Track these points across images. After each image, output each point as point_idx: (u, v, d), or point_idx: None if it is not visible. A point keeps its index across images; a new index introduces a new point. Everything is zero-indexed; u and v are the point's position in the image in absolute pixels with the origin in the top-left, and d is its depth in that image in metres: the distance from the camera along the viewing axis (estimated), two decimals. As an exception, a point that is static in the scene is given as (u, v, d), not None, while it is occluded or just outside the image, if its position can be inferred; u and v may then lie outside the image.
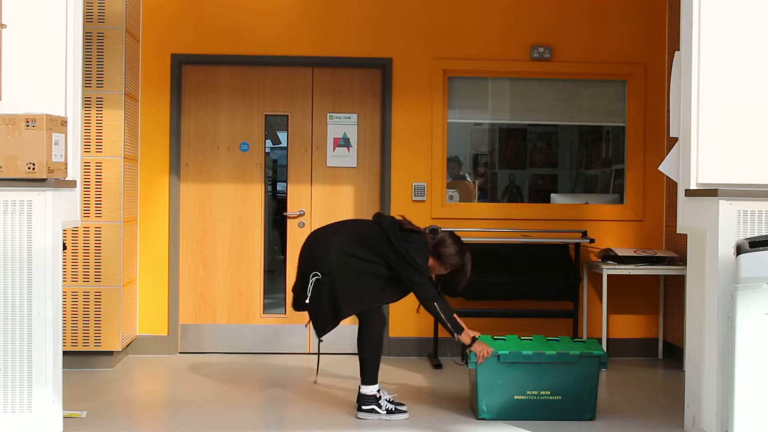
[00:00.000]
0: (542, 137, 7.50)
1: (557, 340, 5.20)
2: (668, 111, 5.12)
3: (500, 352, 4.83)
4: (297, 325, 6.79)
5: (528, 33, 6.85)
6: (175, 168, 6.72)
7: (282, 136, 6.98)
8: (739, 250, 4.01)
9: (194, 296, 6.80)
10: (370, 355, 4.90)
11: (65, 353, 4.64)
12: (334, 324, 4.93)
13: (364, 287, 4.89)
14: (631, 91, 6.96)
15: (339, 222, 5.27)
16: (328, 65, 6.85)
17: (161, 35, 6.68)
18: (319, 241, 5.01)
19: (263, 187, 6.86)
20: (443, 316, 4.90)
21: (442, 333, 6.59)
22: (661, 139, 6.82)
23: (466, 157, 7.41)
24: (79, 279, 6.09)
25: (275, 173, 7.08)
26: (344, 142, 6.86)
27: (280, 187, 7.04)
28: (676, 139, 4.75)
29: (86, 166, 6.07)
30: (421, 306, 4.95)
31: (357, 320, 4.98)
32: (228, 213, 6.83)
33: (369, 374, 4.89)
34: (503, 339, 5.17)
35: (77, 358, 6.02)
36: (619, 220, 6.91)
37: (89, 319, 6.08)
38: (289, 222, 6.87)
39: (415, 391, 5.59)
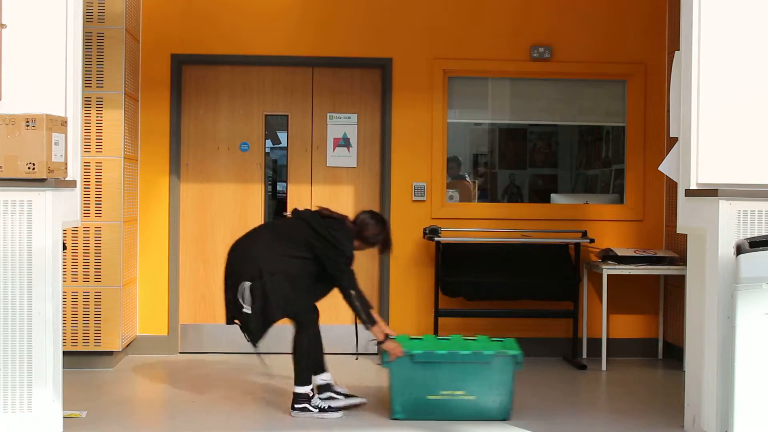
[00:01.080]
0: (542, 137, 7.50)
1: (474, 340, 5.20)
2: (668, 111, 5.12)
3: (414, 352, 4.81)
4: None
5: (528, 33, 6.85)
6: (175, 168, 6.72)
7: (282, 136, 6.98)
8: (739, 250, 4.02)
9: (194, 296, 6.80)
10: (303, 357, 4.94)
11: (65, 353, 4.64)
12: (265, 330, 4.93)
13: (293, 289, 4.89)
14: (631, 91, 6.96)
15: (257, 227, 5.25)
16: (328, 65, 6.85)
17: (161, 35, 6.68)
18: (243, 251, 5.00)
19: (263, 187, 6.86)
20: (359, 305, 4.91)
21: (442, 333, 6.59)
22: (661, 139, 6.83)
23: (466, 157, 7.41)
24: (79, 279, 6.09)
25: (275, 173, 7.08)
26: (344, 142, 6.86)
27: (280, 187, 7.04)
28: (676, 139, 4.75)
29: (86, 166, 6.06)
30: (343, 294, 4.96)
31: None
32: (228, 213, 6.82)
33: (302, 375, 4.93)
34: (420, 339, 5.19)
35: (77, 358, 6.02)
36: (619, 220, 6.91)
37: (89, 319, 6.08)
38: (289, 222, 6.86)
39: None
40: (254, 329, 4.89)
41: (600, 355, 6.45)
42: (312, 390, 4.95)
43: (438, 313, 6.51)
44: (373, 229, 5.12)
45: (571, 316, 6.56)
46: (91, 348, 6.10)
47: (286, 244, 4.95)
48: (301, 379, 4.93)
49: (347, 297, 4.94)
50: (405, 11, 6.81)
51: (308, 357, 4.96)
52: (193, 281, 6.81)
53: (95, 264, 6.08)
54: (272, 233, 5.07)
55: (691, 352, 4.67)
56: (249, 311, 4.84)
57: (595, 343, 6.68)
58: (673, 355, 6.74)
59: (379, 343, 4.91)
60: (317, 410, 4.89)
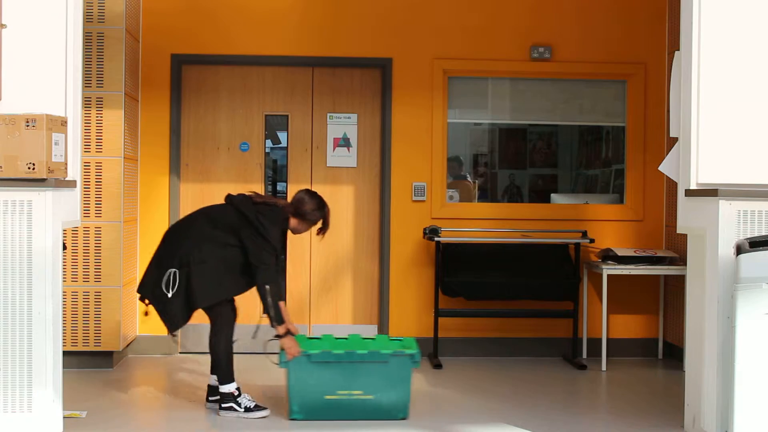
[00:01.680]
0: (542, 137, 7.50)
1: (372, 339, 5.20)
2: (668, 111, 5.12)
3: (310, 352, 4.80)
4: (297, 325, 6.78)
5: (528, 33, 6.85)
6: (175, 168, 6.72)
7: (282, 136, 6.98)
8: (739, 250, 4.02)
9: (194, 296, 6.79)
10: (221, 355, 4.94)
11: (65, 353, 4.64)
12: (187, 317, 4.94)
13: (219, 278, 4.89)
14: (631, 91, 6.96)
15: (194, 212, 5.20)
16: (328, 65, 6.85)
17: (161, 35, 6.67)
18: (176, 234, 5.02)
19: (263, 187, 6.86)
20: (270, 301, 4.87)
21: (442, 333, 6.61)
22: (661, 139, 6.83)
23: (466, 157, 7.41)
24: (79, 279, 6.09)
25: (275, 173, 7.07)
26: (344, 142, 6.86)
27: (280, 187, 7.03)
28: (676, 139, 4.75)
29: (86, 166, 6.07)
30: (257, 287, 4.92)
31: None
32: (228, 213, 6.82)
33: (223, 373, 4.93)
34: (318, 338, 5.19)
35: (77, 358, 6.02)
36: (619, 220, 6.92)
37: (89, 319, 6.08)
38: (289, 222, 6.86)
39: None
40: (173, 316, 4.89)
41: (600, 355, 6.46)
42: (237, 389, 4.94)
43: (438, 313, 6.51)
44: (310, 204, 5.08)
45: (571, 316, 6.56)
46: (91, 348, 6.10)
47: (218, 232, 4.92)
48: (225, 377, 4.93)
49: (260, 291, 4.88)
50: (405, 11, 6.81)
51: (227, 356, 4.96)
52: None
53: (95, 264, 6.09)
54: (206, 219, 5.02)
55: (691, 352, 4.67)
56: (169, 296, 4.83)
57: (595, 343, 6.68)
58: (673, 355, 6.74)
59: (278, 336, 4.89)
60: (244, 410, 4.89)
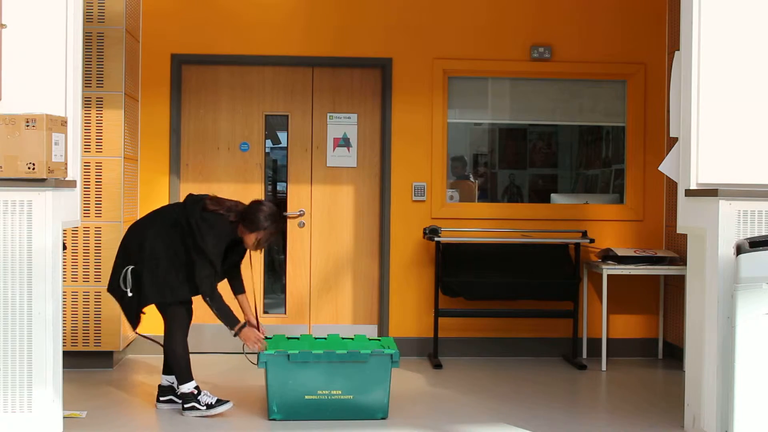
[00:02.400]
0: (542, 137, 7.50)
1: (351, 339, 5.20)
2: (668, 111, 5.12)
3: (290, 352, 4.80)
4: (298, 325, 6.80)
5: (528, 33, 6.85)
6: (175, 168, 6.72)
7: (282, 136, 6.98)
8: (739, 250, 4.02)
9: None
10: (177, 354, 4.94)
11: (65, 353, 4.64)
12: (138, 313, 4.94)
13: (169, 279, 4.87)
14: (631, 91, 6.96)
15: (153, 212, 5.17)
16: (328, 65, 6.85)
17: (161, 35, 6.68)
18: (135, 232, 5.01)
19: (263, 187, 6.86)
20: (217, 311, 4.89)
21: (442, 333, 6.61)
22: (661, 139, 6.83)
23: (467, 157, 7.41)
24: (79, 279, 6.09)
25: (275, 173, 7.07)
26: (344, 142, 6.86)
27: (280, 187, 7.04)
28: (676, 139, 4.75)
29: (86, 166, 6.07)
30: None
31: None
32: (228, 213, 6.82)
33: (182, 373, 4.94)
34: (297, 338, 5.19)
35: (77, 358, 6.02)
36: (619, 220, 6.92)
37: (89, 319, 6.08)
38: (289, 222, 6.86)
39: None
40: (129, 314, 4.93)
41: (600, 355, 6.46)
42: (196, 387, 4.95)
43: (438, 313, 6.51)
44: (260, 213, 4.92)
45: (571, 316, 6.56)
46: (91, 348, 6.10)
47: (173, 229, 4.90)
48: (183, 377, 4.94)
49: (205, 300, 4.88)
50: (405, 11, 6.81)
51: (184, 356, 4.96)
52: (193, 281, 6.79)
53: (95, 264, 6.09)
54: (163, 220, 4.99)
55: (691, 352, 4.67)
56: (129, 294, 4.85)
57: (595, 343, 6.68)
58: (673, 355, 6.74)
59: (235, 334, 4.91)
60: (206, 407, 4.90)
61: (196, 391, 4.94)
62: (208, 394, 4.98)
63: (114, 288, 4.98)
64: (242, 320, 5.03)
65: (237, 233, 4.96)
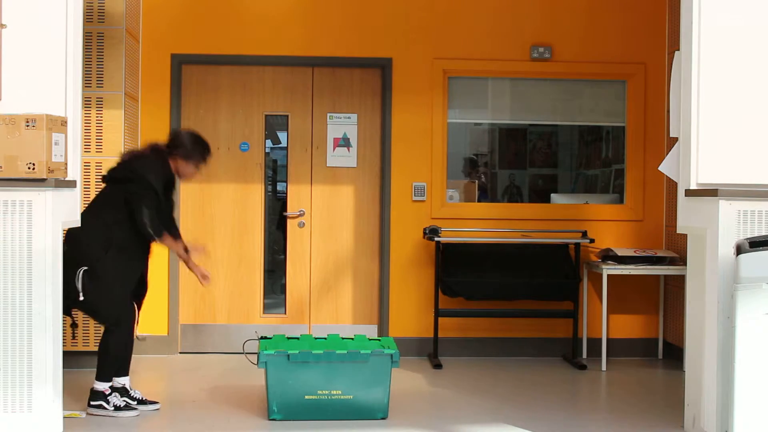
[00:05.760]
0: (542, 137, 7.50)
1: (352, 339, 5.20)
2: (668, 111, 5.12)
3: (290, 352, 4.79)
4: (298, 325, 6.80)
5: (528, 33, 6.85)
6: (175, 168, 6.72)
7: (282, 136, 6.98)
8: (739, 250, 4.02)
9: (194, 296, 6.79)
10: (110, 357, 4.91)
11: (65, 353, 4.64)
12: (120, 308, 4.89)
13: (124, 268, 4.85)
14: (631, 91, 6.96)
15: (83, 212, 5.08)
16: (328, 65, 6.85)
17: (161, 35, 6.68)
18: (74, 233, 4.87)
19: (263, 187, 6.86)
20: (174, 248, 4.95)
21: (442, 333, 6.61)
22: (661, 139, 6.83)
23: (467, 157, 7.42)
24: (79, 279, 6.08)
25: (275, 173, 7.07)
26: (344, 142, 6.86)
27: (280, 187, 7.04)
28: (676, 139, 4.75)
29: (86, 166, 6.07)
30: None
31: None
32: (228, 213, 6.82)
33: (104, 372, 4.90)
34: (297, 338, 5.19)
35: (77, 358, 6.02)
36: (619, 220, 6.92)
37: (89, 319, 6.07)
38: (289, 222, 6.87)
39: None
40: (113, 313, 4.85)
41: (600, 355, 6.46)
42: (110, 388, 4.92)
43: (438, 313, 6.51)
44: (187, 138, 5.05)
45: (571, 316, 6.56)
46: (91, 348, 6.09)
47: (106, 212, 4.86)
48: (103, 376, 4.90)
49: (143, 228, 4.82)
50: (405, 11, 6.81)
51: (116, 357, 4.94)
52: (193, 281, 6.76)
53: (95, 264, 6.08)
54: (89, 209, 4.96)
55: (691, 352, 4.67)
56: (82, 298, 4.75)
57: (595, 343, 6.68)
58: (673, 355, 6.74)
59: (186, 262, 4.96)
60: (113, 408, 4.88)
61: (108, 391, 4.90)
62: (118, 396, 4.93)
63: (68, 297, 4.80)
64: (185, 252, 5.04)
65: (169, 169, 5.00)
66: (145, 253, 5.05)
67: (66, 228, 4.62)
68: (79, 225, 4.73)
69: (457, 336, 6.77)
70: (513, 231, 6.77)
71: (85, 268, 4.77)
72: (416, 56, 6.80)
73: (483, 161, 7.46)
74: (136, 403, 4.97)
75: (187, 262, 5.13)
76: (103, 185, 5.08)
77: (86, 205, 5.09)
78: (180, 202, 6.75)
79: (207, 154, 5.17)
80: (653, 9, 6.87)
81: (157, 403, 5.08)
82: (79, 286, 4.74)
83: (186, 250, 5.08)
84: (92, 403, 4.90)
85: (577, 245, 6.61)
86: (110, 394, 4.92)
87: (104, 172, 5.21)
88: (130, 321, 4.98)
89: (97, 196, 5.09)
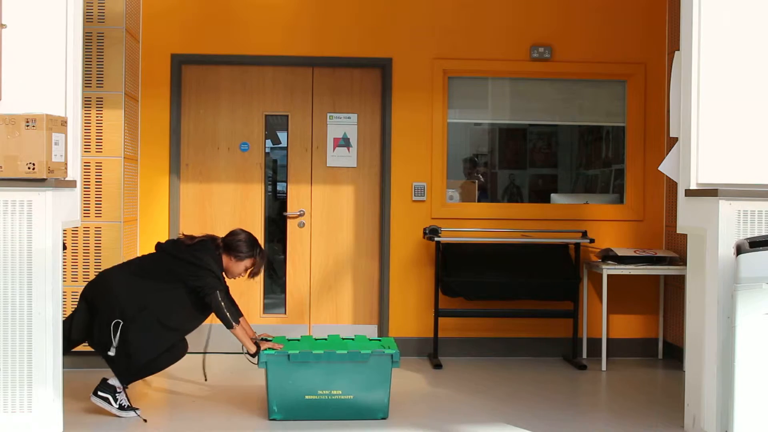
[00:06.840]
0: (542, 137, 7.50)
1: (352, 339, 5.21)
2: (668, 111, 5.13)
3: (290, 352, 4.80)
4: (298, 325, 6.81)
5: (528, 33, 6.85)
6: (175, 168, 6.73)
7: (282, 136, 6.98)
8: (739, 250, 4.02)
9: (194, 296, 6.79)
10: (146, 372, 4.93)
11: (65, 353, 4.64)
12: (136, 374, 4.89)
13: (159, 329, 4.82)
14: (631, 91, 6.96)
15: (122, 264, 5.16)
16: (328, 65, 6.85)
17: (161, 35, 6.68)
18: (104, 285, 4.89)
19: (263, 187, 6.86)
20: (225, 310, 4.83)
21: (442, 333, 6.62)
22: (661, 139, 6.83)
23: (466, 157, 7.42)
24: (79, 279, 6.09)
25: (275, 173, 7.08)
26: (344, 142, 6.86)
27: (280, 187, 7.04)
28: (676, 139, 4.75)
29: (86, 166, 6.07)
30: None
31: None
32: (228, 213, 6.83)
33: (126, 376, 4.87)
34: (297, 339, 5.19)
35: (77, 358, 6.02)
36: (619, 220, 6.92)
37: (89, 319, 6.07)
38: (289, 222, 6.87)
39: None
40: (123, 371, 4.85)
41: (600, 355, 6.46)
42: (121, 388, 4.91)
43: (438, 313, 6.51)
44: (242, 236, 5.06)
45: (571, 316, 6.57)
46: (91, 348, 6.08)
47: (150, 281, 4.86)
48: (124, 378, 4.88)
49: (214, 305, 4.84)
50: (405, 11, 6.81)
51: (147, 373, 4.96)
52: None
53: (95, 264, 6.08)
54: (134, 269, 4.97)
55: (691, 352, 4.67)
56: (112, 353, 4.76)
57: (595, 343, 6.68)
58: (673, 355, 6.74)
59: (253, 355, 4.89)
60: (118, 407, 4.87)
61: (119, 390, 4.89)
62: (126, 397, 4.94)
63: (90, 337, 4.89)
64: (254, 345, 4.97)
65: (221, 264, 5.03)
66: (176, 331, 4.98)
67: (66, 228, 4.62)
68: (115, 275, 4.87)
69: (457, 336, 6.77)
70: (513, 231, 6.77)
71: (119, 320, 4.76)
72: (416, 56, 6.80)
73: (483, 161, 7.46)
74: (117, 406, 4.93)
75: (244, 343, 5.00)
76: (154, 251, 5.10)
77: (131, 260, 5.17)
78: (180, 202, 6.76)
79: (262, 260, 5.14)
80: (653, 9, 6.87)
81: (138, 409, 5.03)
82: (115, 341, 4.75)
83: (254, 342, 4.98)
84: (100, 393, 4.89)
85: (577, 245, 6.61)
86: (120, 392, 4.92)
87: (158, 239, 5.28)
88: (175, 355, 4.98)
89: (146, 261, 5.08)
